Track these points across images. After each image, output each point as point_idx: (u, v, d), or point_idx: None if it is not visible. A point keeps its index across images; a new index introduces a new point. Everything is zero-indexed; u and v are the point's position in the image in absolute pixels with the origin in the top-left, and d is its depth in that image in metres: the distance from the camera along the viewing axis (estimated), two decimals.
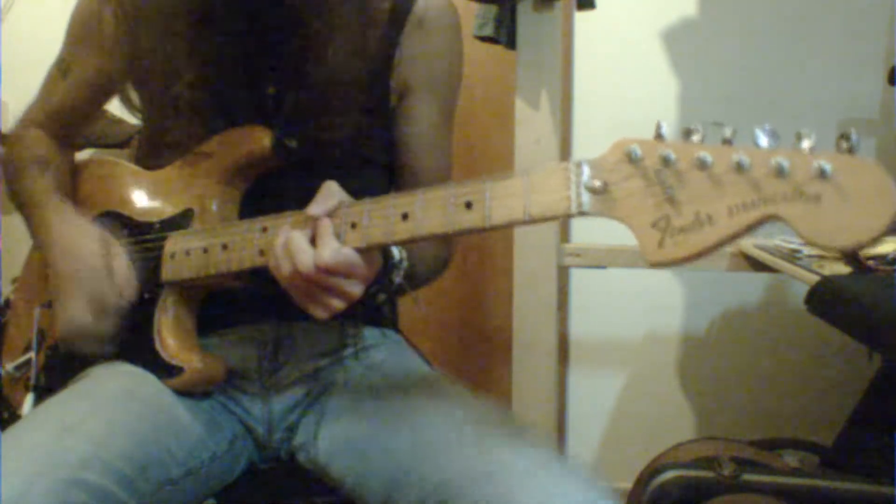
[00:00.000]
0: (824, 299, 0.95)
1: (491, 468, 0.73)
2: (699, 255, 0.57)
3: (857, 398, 1.50)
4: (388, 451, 0.83)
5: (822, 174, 0.52)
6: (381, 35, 0.94)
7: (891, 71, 1.52)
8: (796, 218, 0.53)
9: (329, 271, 0.73)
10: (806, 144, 0.54)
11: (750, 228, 0.56)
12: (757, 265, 1.44)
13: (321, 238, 0.75)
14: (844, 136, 0.52)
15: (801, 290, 1.01)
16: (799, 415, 1.89)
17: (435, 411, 0.84)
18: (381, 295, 0.84)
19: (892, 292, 0.90)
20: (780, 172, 0.54)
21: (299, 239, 0.75)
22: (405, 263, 0.85)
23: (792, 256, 1.26)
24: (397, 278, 0.84)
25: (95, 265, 0.89)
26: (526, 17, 1.50)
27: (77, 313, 0.88)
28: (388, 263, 0.83)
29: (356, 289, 0.75)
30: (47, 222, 0.95)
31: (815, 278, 1.02)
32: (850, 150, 0.52)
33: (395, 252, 0.84)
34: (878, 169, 0.51)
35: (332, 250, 0.73)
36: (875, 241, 0.51)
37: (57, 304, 0.92)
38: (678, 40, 1.90)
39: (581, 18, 1.87)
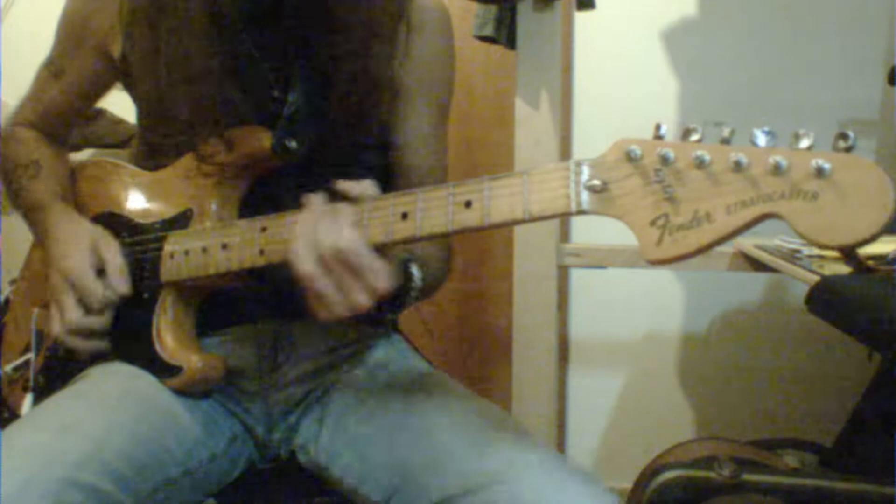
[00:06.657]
0: (824, 299, 0.95)
1: (494, 472, 0.73)
2: (697, 253, 0.58)
3: (857, 398, 1.50)
4: (389, 453, 0.83)
5: (820, 172, 0.52)
6: (380, 37, 0.94)
7: (891, 71, 1.52)
8: (794, 215, 0.53)
9: (342, 259, 0.71)
10: (804, 144, 0.54)
11: (748, 226, 0.56)
12: (757, 265, 1.44)
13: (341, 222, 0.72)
14: (842, 136, 0.53)
15: (801, 290, 1.01)
16: (799, 415, 1.89)
17: (436, 413, 0.84)
18: (390, 315, 0.83)
19: (893, 292, 0.90)
20: (777, 170, 0.54)
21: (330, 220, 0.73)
22: (420, 284, 0.83)
23: (792, 256, 1.25)
24: (409, 301, 0.83)
25: (84, 263, 0.90)
26: (526, 17, 1.50)
27: (68, 311, 0.89)
28: (405, 286, 0.82)
29: (361, 296, 0.72)
30: (45, 224, 0.96)
31: (815, 278, 1.01)
32: (848, 149, 0.52)
33: (416, 275, 0.82)
34: (875, 167, 0.51)
35: (350, 234, 0.71)
36: (873, 238, 0.51)
37: (52, 302, 0.92)
38: (678, 40, 1.90)
39: (581, 18, 1.87)
